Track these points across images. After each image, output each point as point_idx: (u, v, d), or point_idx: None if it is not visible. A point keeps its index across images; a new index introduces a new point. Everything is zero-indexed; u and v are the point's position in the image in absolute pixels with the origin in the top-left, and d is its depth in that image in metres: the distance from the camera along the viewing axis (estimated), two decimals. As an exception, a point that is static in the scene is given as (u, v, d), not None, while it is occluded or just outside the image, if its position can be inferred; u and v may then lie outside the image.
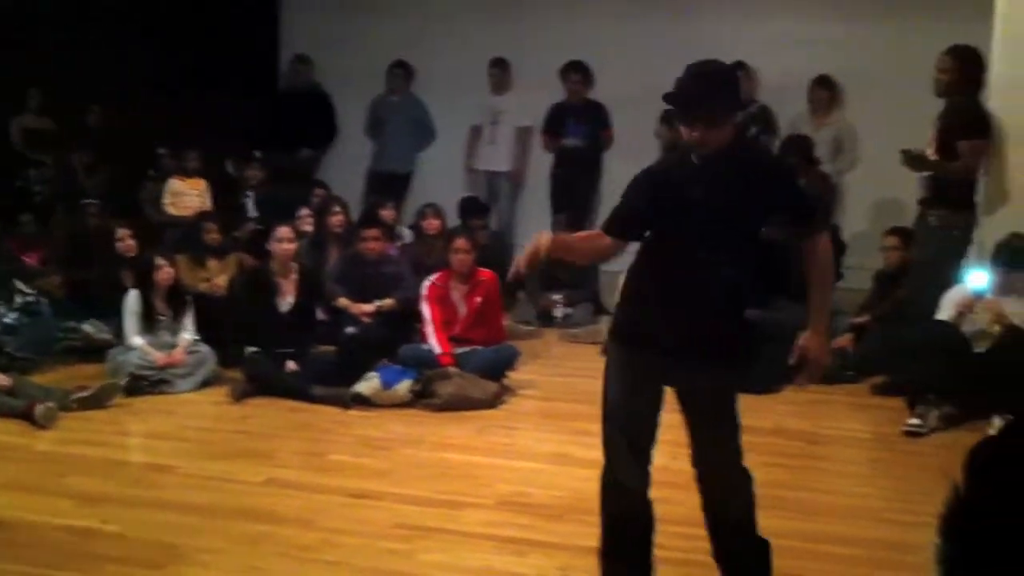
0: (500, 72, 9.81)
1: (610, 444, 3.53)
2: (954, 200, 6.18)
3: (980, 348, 5.88)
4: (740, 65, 8.92)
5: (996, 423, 5.51)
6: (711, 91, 3.27)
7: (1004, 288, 5.92)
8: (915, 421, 5.65)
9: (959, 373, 5.75)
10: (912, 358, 6.06)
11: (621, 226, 3.49)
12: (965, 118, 6.15)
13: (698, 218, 3.29)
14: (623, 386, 3.47)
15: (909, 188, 6.70)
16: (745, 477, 3.49)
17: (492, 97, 9.88)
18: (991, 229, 6.25)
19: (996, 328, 5.85)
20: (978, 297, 5.87)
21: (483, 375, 6.20)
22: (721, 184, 3.28)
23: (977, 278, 5.88)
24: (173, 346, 6.40)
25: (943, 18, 8.22)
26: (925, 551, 4.02)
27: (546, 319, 8.02)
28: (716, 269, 3.32)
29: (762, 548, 3.59)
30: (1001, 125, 6.24)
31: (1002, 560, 0.95)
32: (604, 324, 7.66)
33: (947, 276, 6.14)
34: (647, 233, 3.45)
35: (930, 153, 6.20)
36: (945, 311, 5.93)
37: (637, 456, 3.50)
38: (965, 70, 6.15)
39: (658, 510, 4.33)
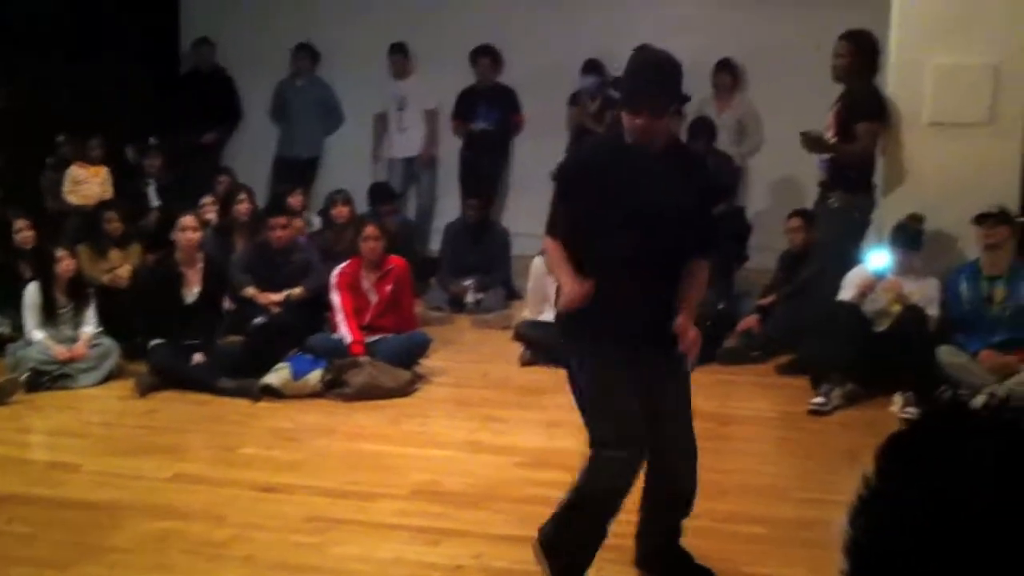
0: (401, 58, 9.75)
1: (618, 423, 3.48)
2: (853, 182, 6.30)
3: (881, 327, 6.02)
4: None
5: (897, 400, 5.67)
6: (659, 80, 3.33)
7: (903, 268, 6.07)
8: (819, 400, 5.78)
9: (861, 352, 5.89)
10: (815, 338, 6.19)
11: (567, 228, 3.52)
12: (862, 101, 6.27)
13: (654, 215, 3.37)
14: (611, 383, 3.48)
15: (812, 170, 6.81)
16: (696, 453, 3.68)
17: (396, 83, 9.82)
18: (889, 210, 6.39)
19: (896, 307, 6.00)
20: (879, 277, 6.01)
21: (395, 363, 6.17)
22: (669, 184, 3.39)
23: (877, 259, 6.02)
24: (75, 340, 6.25)
25: (843, 3, 8.37)
26: (828, 528, 4.11)
27: (458, 305, 8.00)
28: (668, 263, 3.44)
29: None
30: (897, 109, 6.38)
31: (910, 554, 0.97)
32: (516, 309, 7.70)
33: (848, 257, 6.27)
34: (592, 227, 3.47)
35: (829, 136, 6.32)
36: (847, 291, 6.06)
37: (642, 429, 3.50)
38: (861, 54, 6.28)
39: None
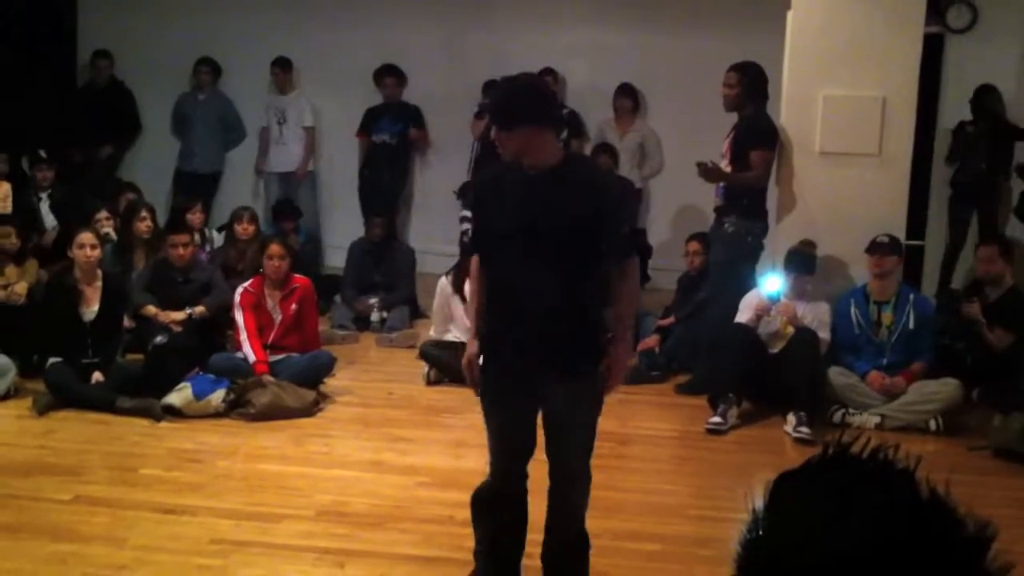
0: (280, 71, 9.78)
1: (491, 455, 3.73)
2: (747, 207, 6.50)
3: (775, 349, 6.22)
4: (548, 71, 9.17)
5: (790, 420, 5.86)
6: (514, 99, 3.56)
7: (796, 292, 6.28)
8: (716, 419, 5.94)
9: (755, 373, 6.08)
10: (711, 358, 6.36)
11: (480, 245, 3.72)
12: (754, 130, 6.48)
13: (530, 232, 3.46)
14: (494, 398, 3.67)
15: (710, 195, 7.00)
16: (586, 480, 3.69)
17: (277, 97, 9.87)
18: (782, 236, 6.61)
19: (789, 330, 6.20)
20: (773, 301, 6.20)
21: (299, 383, 6.15)
22: (551, 201, 3.48)
23: (771, 283, 6.21)
24: (-31, 358, 6.12)
25: (740, 32, 8.63)
26: (723, 545, 4.26)
27: (363, 323, 8.01)
28: (553, 280, 3.47)
29: (584, 546, 3.77)
30: (789, 137, 6.61)
31: None
32: (420, 328, 7.74)
33: (743, 280, 6.46)
34: (485, 247, 3.66)
35: (724, 164, 6.52)
36: (743, 314, 6.24)
37: (514, 463, 3.69)
38: (750, 84, 6.49)
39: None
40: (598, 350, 3.58)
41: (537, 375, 3.55)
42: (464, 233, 8.82)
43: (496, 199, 3.61)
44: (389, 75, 9.54)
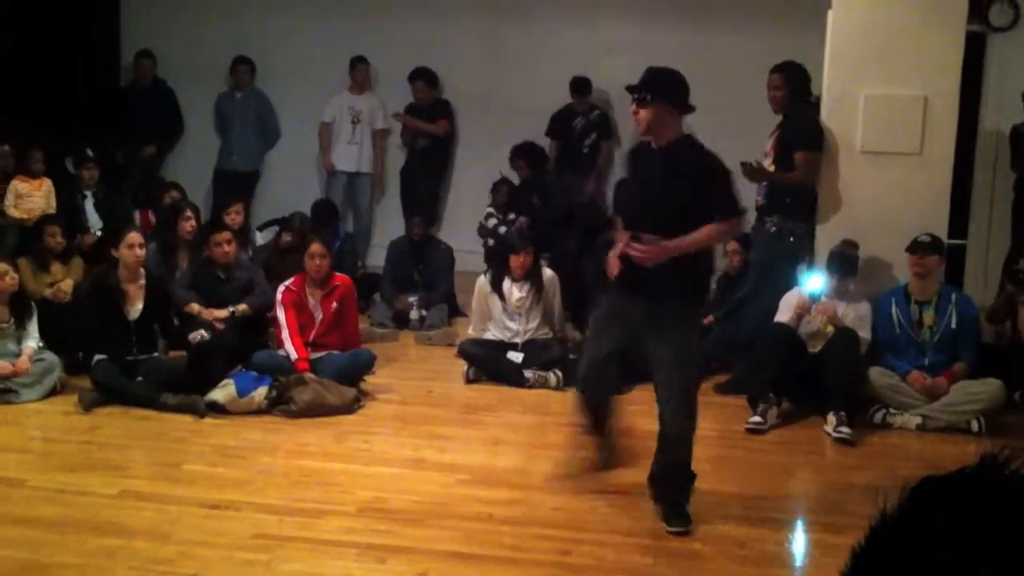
0: (361, 69, 9.78)
1: (586, 361, 4.76)
2: (790, 208, 6.48)
3: (815, 348, 6.19)
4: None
5: (831, 420, 5.84)
6: (644, 80, 4.48)
7: (837, 292, 6.25)
8: (756, 419, 5.92)
9: (795, 372, 6.06)
10: (751, 358, 6.34)
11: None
12: (799, 130, 6.45)
13: (649, 193, 4.47)
14: (599, 319, 4.70)
15: (749, 195, 6.97)
16: (691, 401, 4.56)
17: (351, 96, 9.87)
18: (824, 235, 6.58)
19: (829, 329, 6.18)
20: (813, 300, 6.17)
21: (340, 380, 6.20)
22: (671, 170, 4.39)
23: (813, 282, 6.18)
24: (17, 354, 6.20)
25: (779, 31, 8.60)
26: (763, 544, 4.26)
27: (402, 322, 8.06)
28: (662, 233, 4.35)
29: (688, 473, 4.63)
30: (833, 137, 6.58)
31: None
32: (459, 326, 7.78)
33: (783, 279, 6.43)
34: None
35: (768, 163, 6.49)
36: (783, 313, 6.22)
37: (604, 360, 4.68)
38: (793, 85, 6.47)
39: (514, 512, 4.50)
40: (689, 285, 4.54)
41: (640, 314, 4.42)
42: (492, 230, 8.82)
43: (628, 170, 4.80)
44: (419, 79, 9.56)
